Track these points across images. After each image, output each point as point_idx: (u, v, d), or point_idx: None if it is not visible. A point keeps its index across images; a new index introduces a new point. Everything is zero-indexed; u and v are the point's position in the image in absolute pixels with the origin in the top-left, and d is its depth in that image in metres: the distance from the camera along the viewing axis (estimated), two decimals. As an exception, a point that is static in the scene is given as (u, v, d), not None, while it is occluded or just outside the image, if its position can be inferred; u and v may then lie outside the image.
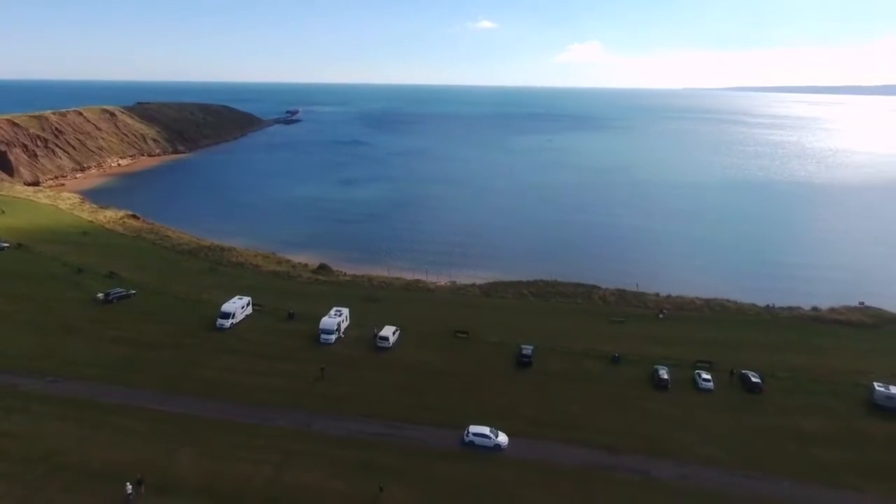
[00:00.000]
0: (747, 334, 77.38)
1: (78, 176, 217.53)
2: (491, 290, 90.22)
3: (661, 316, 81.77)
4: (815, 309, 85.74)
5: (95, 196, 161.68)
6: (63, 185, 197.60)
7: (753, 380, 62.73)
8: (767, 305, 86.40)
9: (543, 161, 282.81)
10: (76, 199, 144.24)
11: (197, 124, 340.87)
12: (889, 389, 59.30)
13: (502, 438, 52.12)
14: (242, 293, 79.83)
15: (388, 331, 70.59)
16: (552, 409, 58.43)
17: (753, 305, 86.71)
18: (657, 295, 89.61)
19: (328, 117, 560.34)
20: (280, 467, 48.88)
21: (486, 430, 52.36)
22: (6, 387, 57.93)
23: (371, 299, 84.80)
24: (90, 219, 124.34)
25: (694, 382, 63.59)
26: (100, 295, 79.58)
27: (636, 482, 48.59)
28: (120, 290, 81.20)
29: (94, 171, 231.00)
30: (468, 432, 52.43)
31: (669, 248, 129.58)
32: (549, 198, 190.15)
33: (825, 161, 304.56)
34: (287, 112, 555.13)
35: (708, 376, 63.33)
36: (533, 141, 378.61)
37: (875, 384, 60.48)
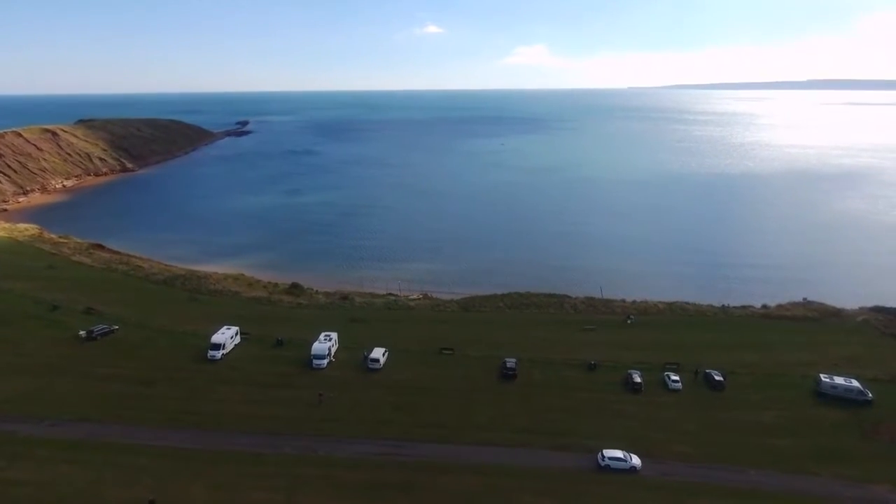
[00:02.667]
0: (707, 335, 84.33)
1: (20, 200, 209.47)
2: (469, 305, 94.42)
3: (629, 321, 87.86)
4: (764, 307, 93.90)
5: (45, 221, 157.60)
6: (6, 209, 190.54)
7: (717, 378, 69.16)
8: (723, 306, 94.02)
9: (494, 163, 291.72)
10: (34, 229, 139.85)
11: (145, 140, 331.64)
12: (833, 380, 66.73)
13: (636, 461, 54.58)
14: (226, 322, 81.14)
15: (378, 352, 73.69)
16: (539, 418, 62.98)
17: (710, 306, 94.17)
18: (623, 301, 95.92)
19: (279, 127, 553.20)
20: (291, 493, 51.48)
21: (620, 453, 54.97)
22: (5, 433, 57.90)
23: (355, 320, 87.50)
24: (53, 251, 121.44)
25: (664, 384, 69.51)
26: (82, 332, 79.19)
27: (620, 481, 53.63)
28: (102, 326, 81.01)
29: (37, 193, 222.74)
30: (603, 456, 54.85)
31: (626, 252, 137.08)
32: (500, 202, 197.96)
33: (757, 156, 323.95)
34: (237, 123, 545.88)
35: (676, 377, 69.41)
36: (483, 144, 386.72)
37: (821, 375, 67.83)
